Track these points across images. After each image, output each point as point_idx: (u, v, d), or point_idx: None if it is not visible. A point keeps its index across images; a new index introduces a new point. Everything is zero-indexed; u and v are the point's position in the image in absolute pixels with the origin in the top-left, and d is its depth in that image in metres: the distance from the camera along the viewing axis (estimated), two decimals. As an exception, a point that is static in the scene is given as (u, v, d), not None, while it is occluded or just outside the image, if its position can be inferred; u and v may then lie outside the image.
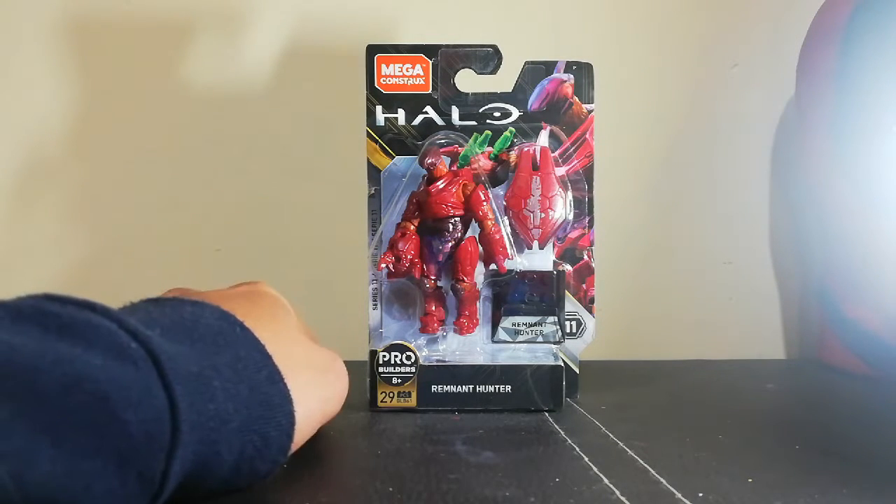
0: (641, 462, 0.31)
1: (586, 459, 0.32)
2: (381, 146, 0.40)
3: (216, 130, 0.56)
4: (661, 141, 0.60)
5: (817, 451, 0.34)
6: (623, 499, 0.27)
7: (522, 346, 0.41)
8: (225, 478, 0.24)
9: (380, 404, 0.39)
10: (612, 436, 0.35)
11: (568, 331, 0.42)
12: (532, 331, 0.41)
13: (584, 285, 0.42)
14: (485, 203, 0.40)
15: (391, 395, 0.39)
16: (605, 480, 0.29)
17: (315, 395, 0.31)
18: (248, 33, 0.56)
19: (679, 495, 0.27)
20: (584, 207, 0.42)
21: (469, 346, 0.41)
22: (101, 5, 0.54)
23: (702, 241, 0.60)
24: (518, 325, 0.41)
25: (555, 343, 0.41)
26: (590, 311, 0.42)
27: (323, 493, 0.28)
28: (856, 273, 0.52)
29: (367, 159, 0.40)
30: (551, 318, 0.41)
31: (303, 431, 0.29)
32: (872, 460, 0.33)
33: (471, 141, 0.41)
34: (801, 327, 0.61)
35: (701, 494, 0.27)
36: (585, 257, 0.42)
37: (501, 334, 0.41)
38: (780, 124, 0.61)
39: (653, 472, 0.30)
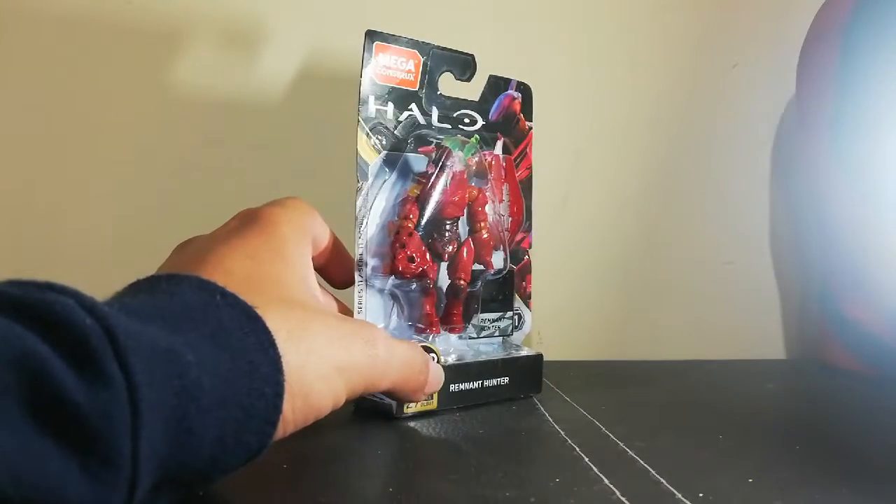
0: (641, 462, 0.31)
1: (586, 460, 0.32)
2: (370, 139, 0.40)
3: (212, 132, 0.56)
4: (661, 140, 0.60)
5: (817, 451, 0.34)
6: (623, 499, 0.27)
7: (482, 340, 0.43)
8: (211, 455, 0.23)
9: (406, 411, 0.38)
10: (612, 436, 0.35)
11: (513, 324, 0.45)
12: (493, 326, 0.44)
13: (523, 283, 0.45)
14: (483, 206, 0.42)
15: None
16: (606, 480, 0.29)
17: (336, 366, 0.29)
18: (243, 32, 0.56)
19: (679, 495, 0.27)
20: (525, 213, 0.45)
21: (454, 345, 0.42)
22: (101, 6, 0.54)
23: (702, 241, 0.60)
24: (484, 321, 0.43)
25: (507, 336, 0.44)
26: (527, 305, 0.45)
27: (322, 493, 0.28)
28: (856, 273, 0.52)
29: (357, 153, 0.40)
30: (509, 314, 0.44)
31: (312, 400, 0.28)
32: (872, 460, 0.33)
33: (450, 139, 0.42)
34: (801, 327, 0.61)
35: (701, 494, 0.27)
36: (526, 258, 0.45)
37: (470, 331, 0.43)
38: (780, 124, 0.61)
39: (653, 472, 0.30)
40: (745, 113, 0.60)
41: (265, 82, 0.56)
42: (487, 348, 0.43)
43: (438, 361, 0.39)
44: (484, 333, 0.43)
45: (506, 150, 0.44)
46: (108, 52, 0.54)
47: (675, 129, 0.60)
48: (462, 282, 0.41)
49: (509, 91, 0.44)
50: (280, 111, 0.56)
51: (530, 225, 0.45)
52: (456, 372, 0.40)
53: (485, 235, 0.42)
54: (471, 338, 0.43)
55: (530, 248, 0.45)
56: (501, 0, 0.58)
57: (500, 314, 0.44)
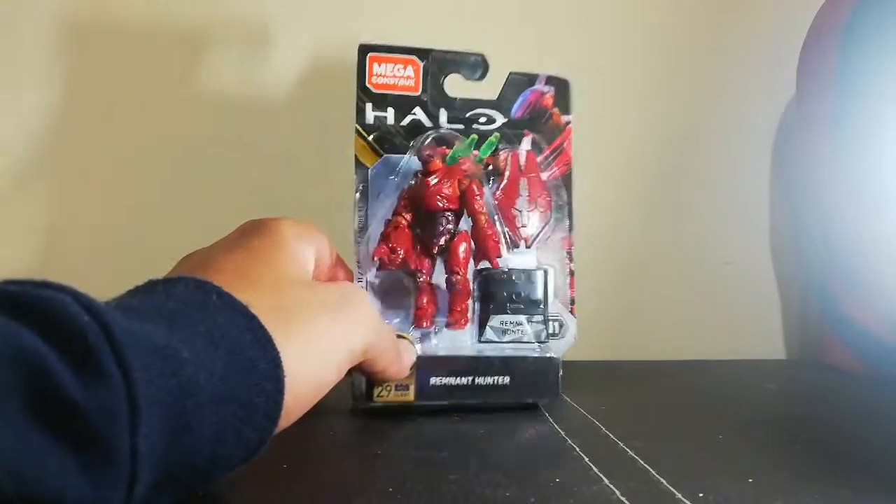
0: (641, 462, 0.31)
1: (586, 459, 0.32)
2: (369, 144, 0.41)
3: (215, 133, 0.56)
4: (661, 141, 0.60)
5: (818, 451, 0.34)
6: (623, 499, 0.27)
7: (509, 345, 0.40)
8: (211, 452, 0.23)
9: (376, 398, 0.38)
10: (612, 436, 0.35)
11: (550, 331, 0.41)
12: (519, 330, 0.40)
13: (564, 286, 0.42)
14: (479, 198, 0.41)
15: (388, 388, 0.38)
16: (606, 481, 0.29)
17: (338, 337, 0.30)
18: (247, 35, 0.56)
19: (679, 495, 0.27)
20: (564, 212, 0.43)
21: (459, 343, 0.40)
22: (106, 7, 0.54)
23: (702, 241, 0.60)
24: (505, 323, 0.40)
25: (540, 343, 0.41)
26: (570, 311, 0.42)
27: (322, 493, 0.28)
28: (856, 273, 0.52)
29: (355, 157, 0.40)
30: (538, 318, 0.41)
31: (314, 382, 0.28)
32: (872, 460, 0.33)
33: (462, 142, 0.41)
34: (801, 327, 0.61)
35: (701, 494, 0.27)
36: (566, 260, 0.42)
37: (489, 333, 0.40)
38: (780, 124, 0.61)
39: (653, 472, 0.30)
40: (745, 113, 0.60)
41: (269, 83, 0.56)
42: (512, 352, 0.40)
43: (414, 351, 0.39)
44: (507, 337, 0.40)
45: (536, 146, 0.43)
46: (114, 54, 0.54)
47: (675, 128, 0.60)
48: (457, 276, 0.40)
49: (536, 87, 0.43)
50: (283, 112, 0.56)
51: (571, 224, 0.43)
52: (437, 363, 0.39)
53: (487, 229, 0.40)
54: (490, 341, 0.40)
55: (571, 248, 0.42)
56: (500, 8, 0.58)
57: (525, 317, 0.41)
